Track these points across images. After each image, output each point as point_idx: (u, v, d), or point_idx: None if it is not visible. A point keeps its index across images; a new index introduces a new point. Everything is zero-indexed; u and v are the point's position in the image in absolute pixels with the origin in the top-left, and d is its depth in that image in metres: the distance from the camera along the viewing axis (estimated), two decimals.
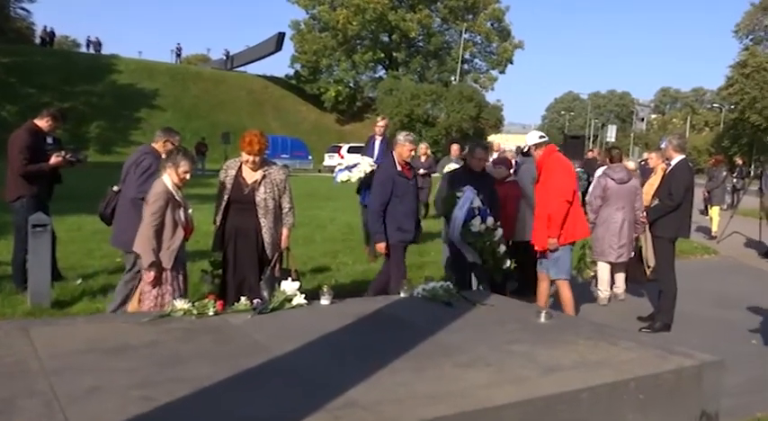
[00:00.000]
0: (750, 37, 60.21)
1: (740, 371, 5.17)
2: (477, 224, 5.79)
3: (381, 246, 6.08)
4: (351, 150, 31.66)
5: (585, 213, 8.42)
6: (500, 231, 5.93)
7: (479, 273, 6.13)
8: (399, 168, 6.08)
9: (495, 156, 13.99)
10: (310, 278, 7.68)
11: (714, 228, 14.38)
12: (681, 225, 6.66)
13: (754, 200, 16.11)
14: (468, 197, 5.86)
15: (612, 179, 8.01)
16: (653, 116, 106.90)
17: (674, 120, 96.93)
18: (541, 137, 6.45)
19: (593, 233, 7.99)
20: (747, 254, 12.52)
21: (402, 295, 4.61)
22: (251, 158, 5.05)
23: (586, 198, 8.96)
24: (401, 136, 6.20)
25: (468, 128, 48.85)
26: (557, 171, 6.14)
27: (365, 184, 8.67)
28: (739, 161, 22.17)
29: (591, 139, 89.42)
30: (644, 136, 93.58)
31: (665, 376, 3.18)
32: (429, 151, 14.89)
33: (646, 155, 15.78)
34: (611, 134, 49.19)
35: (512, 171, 7.57)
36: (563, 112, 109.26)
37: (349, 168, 8.86)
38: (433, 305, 4.28)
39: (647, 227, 7.43)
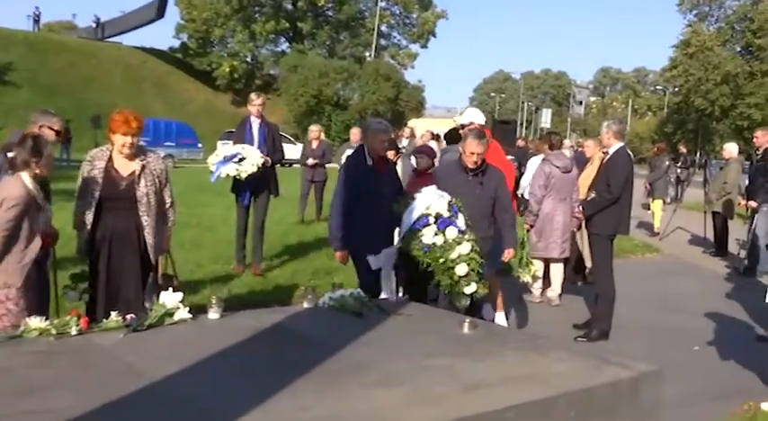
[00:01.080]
0: (694, 12, 63.26)
1: (681, 381, 5.46)
2: (429, 235, 5.34)
3: (340, 256, 5.99)
4: (224, 137, 31.01)
5: (518, 206, 8.66)
6: (466, 246, 5.31)
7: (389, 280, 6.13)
8: (371, 162, 5.85)
9: (406, 142, 14.17)
10: (198, 287, 7.58)
11: (656, 224, 15.07)
12: (620, 220, 6.89)
13: (698, 192, 16.99)
14: (427, 201, 5.46)
15: (557, 167, 8.25)
16: (592, 99, 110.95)
17: (615, 103, 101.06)
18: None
19: (534, 227, 8.22)
20: (691, 251, 13.20)
21: (305, 306, 4.59)
22: (128, 141, 4.88)
23: (520, 189, 9.21)
24: (373, 123, 6.02)
25: (385, 111, 49.15)
26: (494, 162, 6.37)
27: (253, 182, 8.25)
28: (683, 149, 23.29)
29: (523, 125, 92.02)
30: (582, 121, 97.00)
31: (599, 390, 3.30)
32: (322, 135, 13.98)
33: (581, 141, 16.38)
34: (546, 119, 50.78)
35: (436, 160, 7.69)
36: (493, 94, 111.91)
37: (228, 160, 8.09)
38: (342, 316, 4.29)
39: (583, 223, 7.69)
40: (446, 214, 5.34)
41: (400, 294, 7.58)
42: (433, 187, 5.61)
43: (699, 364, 6.38)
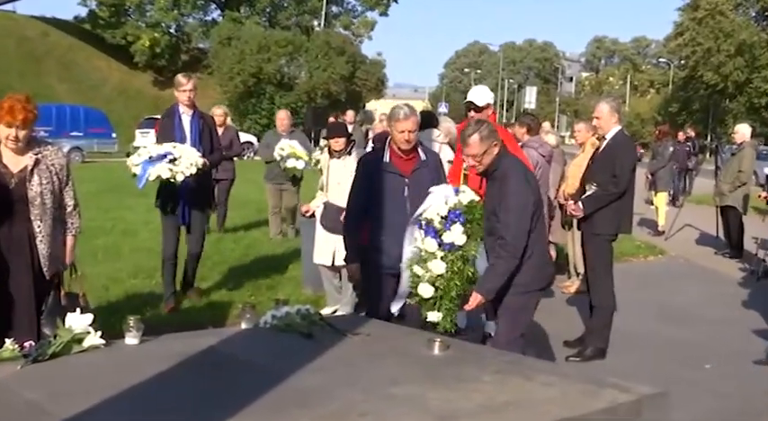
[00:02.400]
0: None
1: (690, 405, 5.55)
2: (419, 242, 5.42)
3: (352, 269, 6.00)
4: (144, 125, 30.50)
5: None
6: (439, 266, 5.34)
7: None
8: (388, 158, 5.85)
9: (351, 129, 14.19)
10: (113, 307, 7.52)
11: (661, 221, 15.29)
12: (622, 218, 6.93)
13: (709, 183, 17.26)
14: (429, 202, 5.44)
15: (542, 155, 8.35)
16: (584, 75, 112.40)
17: (611, 79, 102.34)
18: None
19: None
20: (702, 253, 13.42)
21: (243, 326, 4.58)
22: (13, 134, 4.87)
23: None
24: (393, 110, 5.95)
25: (338, 91, 49.19)
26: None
27: (187, 193, 7.68)
28: (691, 133, 23.67)
29: (504, 106, 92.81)
30: (573, 101, 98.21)
31: (595, 417, 3.34)
32: (228, 120, 13.30)
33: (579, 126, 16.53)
34: (531, 98, 51.41)
35: None
36: (467, 70, 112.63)
37: (156, 160, 7.40)
38: (287, 337, 4.28)
39: (576, 223, 7.77)
40: (436, 221, 5.36)
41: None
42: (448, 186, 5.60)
43: (711, 385, 6.48)
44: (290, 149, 11.58)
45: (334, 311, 7.81)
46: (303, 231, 9.06)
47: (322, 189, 8.15)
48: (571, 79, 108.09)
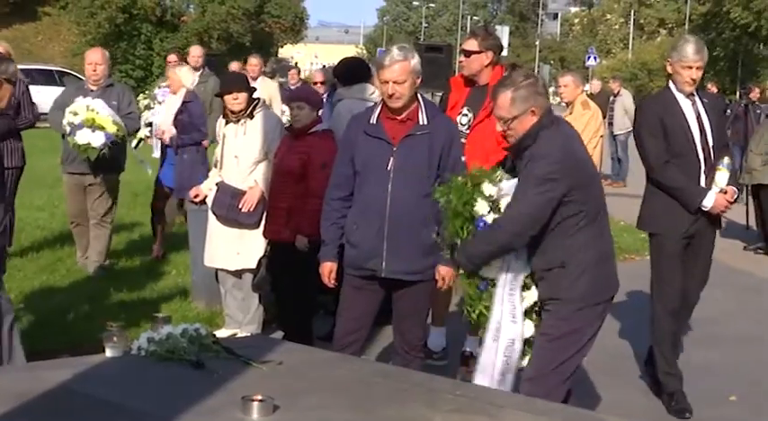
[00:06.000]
0: None
1: None
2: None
3: (327, 268, 6.05)
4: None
5: None
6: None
7: None
8: (376, 118, 5.88)
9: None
10: None
11: None
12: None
13: (735, 155, 17.50)
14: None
15: None
16: (572, 10, 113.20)
17: (609, 17, 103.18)
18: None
19: None
20: (727, 248, 13.42)
21: (109, 354, 4.54)
22: None
23: None
24: (383, 53, 6.03)
25: (241, 32, 48.92)
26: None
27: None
28: (712, 88, 24.00)
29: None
30: (558, 45, 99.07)
31: None
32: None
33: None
34: (502, 42, 51.65)
35: (320, 112, 7.71)
36: (416, 3, 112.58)
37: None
38: (169, 369, 4.26)
39: None
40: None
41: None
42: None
43: None
44: (86, 114, 9.56)
45: (234, 334, 7.77)
46: (192, 224, 8.99)
47: (216, 165, 8.09)
48: (556, 16, 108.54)
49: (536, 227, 5.04)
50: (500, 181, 5.20)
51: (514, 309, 5.19)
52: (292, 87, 11.96)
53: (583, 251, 5.13)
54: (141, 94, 12.41)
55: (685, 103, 6.77)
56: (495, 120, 5.33)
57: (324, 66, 26.70)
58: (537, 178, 5.02)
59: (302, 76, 20.70)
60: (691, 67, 6.62)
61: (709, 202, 6.63)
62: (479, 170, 5.28)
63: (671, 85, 6.86)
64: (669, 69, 6.86)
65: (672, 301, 6.92)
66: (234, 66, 15.07)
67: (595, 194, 5.37)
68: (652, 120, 6.87)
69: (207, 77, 12.48)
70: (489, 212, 5.11)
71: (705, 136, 6.74)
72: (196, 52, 12.76)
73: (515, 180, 5.16)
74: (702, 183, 6.72)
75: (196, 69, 12.16)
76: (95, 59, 10.31)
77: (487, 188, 5.12)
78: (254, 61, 15.45)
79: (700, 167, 6.74)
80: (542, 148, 5.06)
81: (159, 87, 11.93)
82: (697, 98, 6.82)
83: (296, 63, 23.64)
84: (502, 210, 5.13)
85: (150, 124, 11.25)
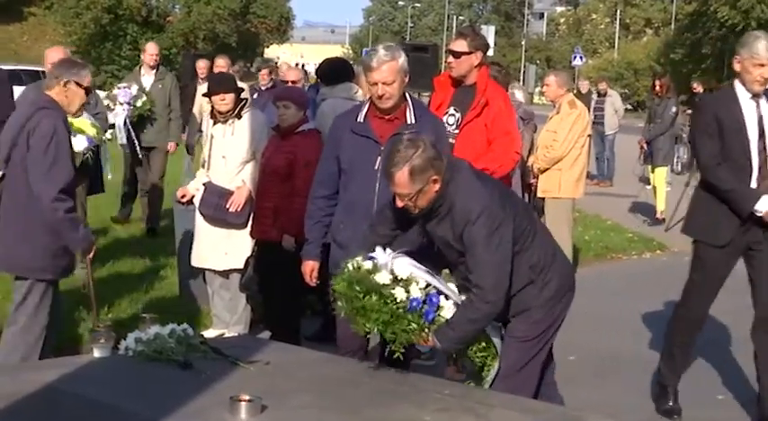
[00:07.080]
0: None
1: None
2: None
3: (309, 266, 6.03)
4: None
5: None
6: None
7: None
8: (363, 117, 5.88)
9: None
10: None
11: (660, 206, 15.32)
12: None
13: None
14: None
15: (521, 118, 8.48)
16: (558, 9, 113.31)
17: (595, 16, 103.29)
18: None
19: None
20: None
21: (96, 354, 4.54)
22: None
23: None
24: (369, 54, 6.02)
25: (227, 33, 48.85)
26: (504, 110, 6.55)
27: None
28: (698, 88, 23.93)
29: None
30: (544, 45, 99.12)
31: None
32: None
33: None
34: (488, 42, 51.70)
35: (307, 113, 7.71)
36: (401, 3, 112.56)
37: None
38: (157, 370, 4.25)
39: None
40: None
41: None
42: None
43: None
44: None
45: (222, 334, 7.76)
46: (179, 224, 8.97)
47: (204, 166, 8.08)
48: (542, 16, 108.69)
49: (508, 277, 4.86)
50: (376, 262, 4.86)
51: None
52: (263, 88, 11.77)
53: (543, 258, 5.07)
54: (102, 93, 12.42)
55: (748, 104, 6.44)
56: (482, 122, 5.35)
57: (297, 64, 26.49)
58: (485, 237, 4.78)
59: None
60: (763, 65, 6.24)
61: (763, 207, 6.25)
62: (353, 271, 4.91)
63: (736, 83, 6.53)
64: (737, 67, 6.49)
65: (694, 310, 6.88)
66: (201, 64, 14.90)
67: (517, 200, 5.34)
68: (708, 119, 6.63)
69: (163, 75, 12.41)
70: (406, 292, 4.74)
71: (765, 140, 6.42)
72: (152, 50, 12.56)
73: (380, 249, 4.92)
74: None
75: (152, 67, 12.26)
76: (57, 59, 9.29)
77: (380, 277, 4.74)
78: (220, 62, 15.27)
79: (751, 173, 6.42)
80: (465, 205, 4.84)
81: (119, 88, 12.08)
82: (764, 99, 6.48)
83: (276, 63, 23.43)
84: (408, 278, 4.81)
85: (113, 126, 11.30)
